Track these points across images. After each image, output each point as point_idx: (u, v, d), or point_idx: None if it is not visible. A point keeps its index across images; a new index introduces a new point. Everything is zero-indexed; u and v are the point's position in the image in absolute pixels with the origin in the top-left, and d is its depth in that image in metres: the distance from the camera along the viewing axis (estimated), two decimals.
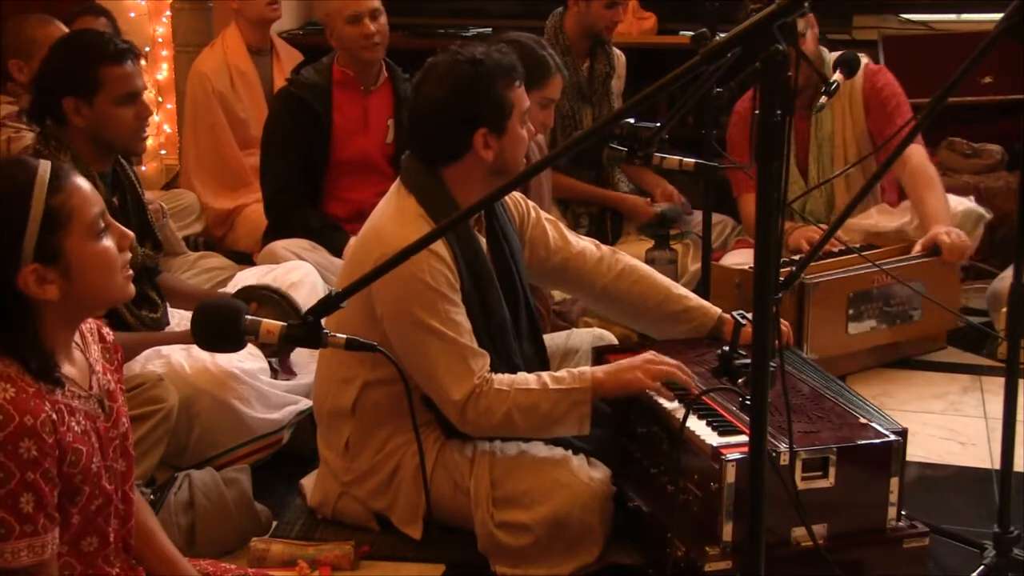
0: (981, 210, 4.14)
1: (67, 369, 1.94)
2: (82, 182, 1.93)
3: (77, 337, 2.01)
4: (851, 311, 3.79)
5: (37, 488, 1.81)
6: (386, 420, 2.72)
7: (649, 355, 2.66)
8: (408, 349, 2.58)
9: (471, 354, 2.58)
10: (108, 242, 1.94)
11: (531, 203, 2.96)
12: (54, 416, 1.84)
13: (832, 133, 4.15)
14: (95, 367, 2.02)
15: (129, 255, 2.00)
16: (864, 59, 4.07)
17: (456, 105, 2.62)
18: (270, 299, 3.27)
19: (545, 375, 2.63)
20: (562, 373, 2.64)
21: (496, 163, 2.65)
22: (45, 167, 1.89)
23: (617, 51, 4.58)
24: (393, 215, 2.67)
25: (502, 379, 2.59)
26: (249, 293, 3.28)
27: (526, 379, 2.61)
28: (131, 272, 2.00)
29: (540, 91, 3.30)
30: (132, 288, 2.01)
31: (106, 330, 2.12)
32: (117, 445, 2.03)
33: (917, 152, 4.03)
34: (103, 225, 1.93)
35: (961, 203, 4.14)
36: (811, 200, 4.21)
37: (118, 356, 2.13)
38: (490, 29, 5.49)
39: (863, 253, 3.82)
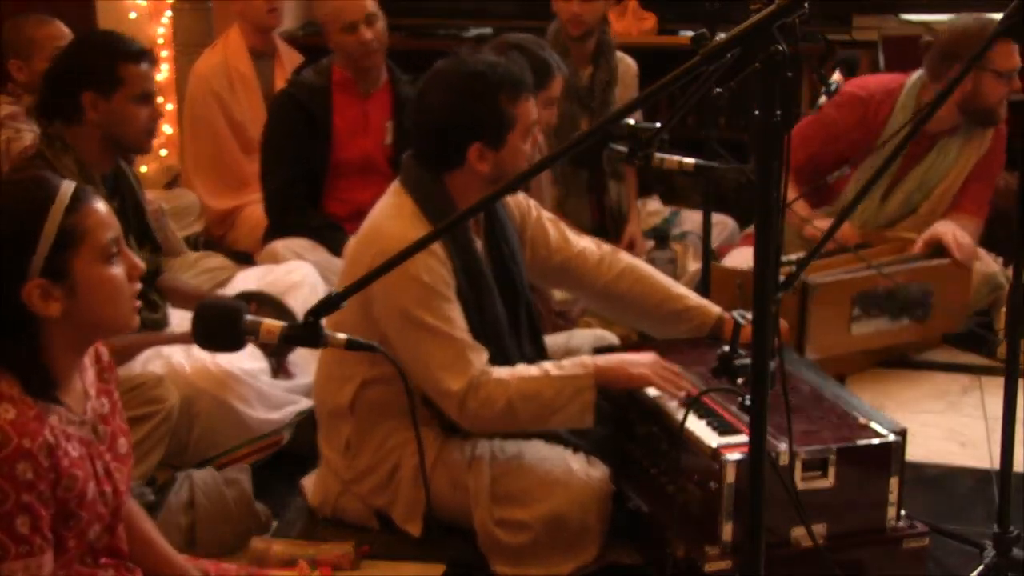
0: (1003, 279, 4.07)
1: (65, 396, 1.94)
2: (100, 206, 1.93)
3: None
4: (854, 312, 3.78)
5: (33, 510, 1.82)
6: (386, 418, 2.72)
7: (656, 357, 2.66)
8: (405, 346, 2.58)
9: (469, 348, 2.58)
10: (118, 269, 1.94)
11: (533, 202, 2.96)
12: (51, 440, 1.85)
13: (944, 174, 4.14)
14: (89, 391, 2.02)
15: (139, 286, 1.99)
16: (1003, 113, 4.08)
17: (455, 117, 2.63)
18: (269, 301, 3.27)
19: (547, 364, 2.63)
20: (564, 361, 2.64)
21: (493, 174, 2.65)
22: (68, 187, 1.90)
23: (628, 60, 4.47)
24: (390, 213, 2.68)
25: (502, 370, 2.60)
26: (247, 297, 3.28)
27: (527, 368, 2.62)
28: (139, 303, 2.00)
29: (544, 92, 3.30)
30: (137, 319, 2.00)
31: (103, 349, 2.12)
32: (117, 468, 2.03)
33: (973, 224, 4.10)
34: (115, 251, 1.93)
35: (989, 264, 4.11)
36: (868, 211, 4.19)
37: (113, 375, 2.13)
38: (490, 29, 5.49)
39: (861, 252, 3.82)
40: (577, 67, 4.32)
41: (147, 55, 3.04)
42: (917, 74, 4.11)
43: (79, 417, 1.96)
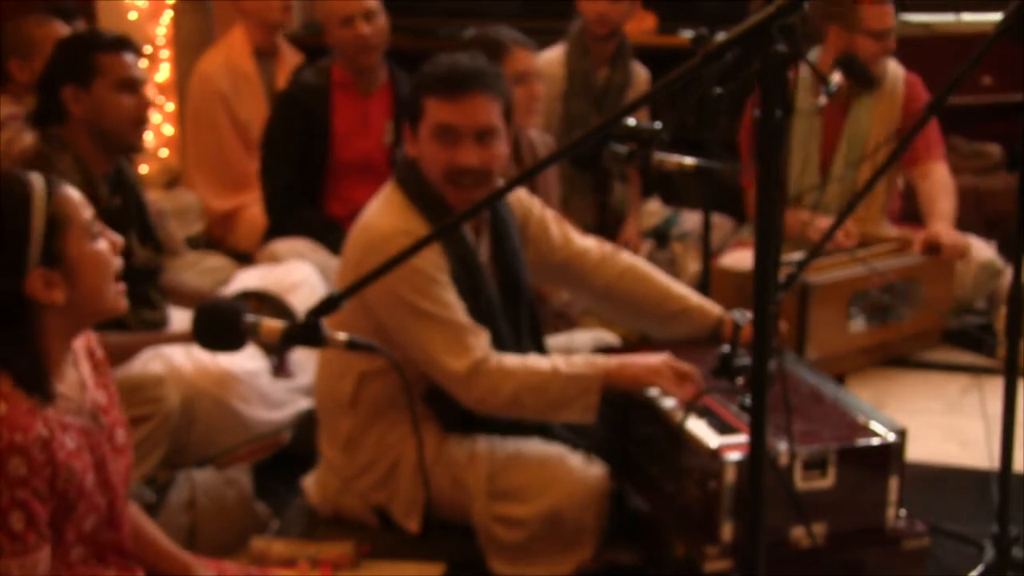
0: (1000, 265, 4.08)
1: (60, 386, 1.94)
2: (71, 190, 1.96)
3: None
4: (852, 310, 3.80)
5: (27, 506, 1.81)
6: (385, 414, 2.73)
7: (667, 356, 2.66)
8: (405, 334, 2.59)
9: (468, 330, 2.59)
10: (103, 244, 1.97)
11: (536, 200, 2.97)
12: (46, 434, 1.84)
13: (868, 133, 4.12)
14: (87, 382, 2.02)
15: (120, 261, 2.01)
16: (898, 65, 4.12)
17: (406, 110, 2.76)
18: (269, 299, 3.27)
19: (559, 358, 2.64)
20: (575, 358, 2.65)
21: (425, 167, 2.68)
22: (37, 176, 1.93)
23: (641, 69, 4.46)
24: (378, 208, 2.71)
25: (513, 359, 2.61)
26: (248, 295, 3.28)
27: (537, 360, 2.63)
28: (123, 285, 2.01)
29: (504, 69, 3.26)
30: (125, 301, 2.02)
31: (96, 345, 2.12)
32: (115, 458, 2.03)
33: (941, 169, 4.09)
34: (97, 229, 1.96)
35: (984, 251, 4.11)
36: (827, 194, 4.17)
37: (108, 369, 2.13)
38: None
39: (858, 252, 3.83)
40: (595, 67, 4.32)
41: (125, 44, 3.02)
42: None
43: (77, 405, 1.96)
